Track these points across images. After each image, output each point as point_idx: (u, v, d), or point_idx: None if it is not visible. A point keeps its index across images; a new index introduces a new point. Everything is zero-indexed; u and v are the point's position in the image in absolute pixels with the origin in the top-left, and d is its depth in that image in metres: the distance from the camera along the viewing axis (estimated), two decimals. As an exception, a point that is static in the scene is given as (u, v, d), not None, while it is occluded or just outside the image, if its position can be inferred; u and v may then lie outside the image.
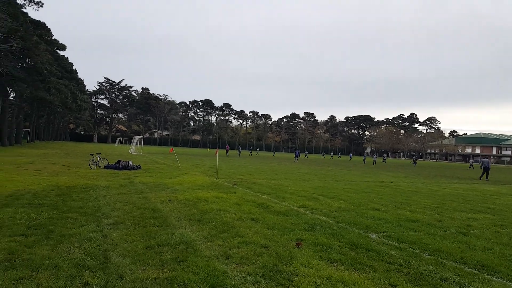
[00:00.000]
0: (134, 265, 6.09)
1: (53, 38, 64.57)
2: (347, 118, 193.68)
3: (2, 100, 52.47)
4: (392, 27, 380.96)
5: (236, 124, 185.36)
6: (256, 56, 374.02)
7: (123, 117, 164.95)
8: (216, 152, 27.96)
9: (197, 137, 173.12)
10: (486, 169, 36.20)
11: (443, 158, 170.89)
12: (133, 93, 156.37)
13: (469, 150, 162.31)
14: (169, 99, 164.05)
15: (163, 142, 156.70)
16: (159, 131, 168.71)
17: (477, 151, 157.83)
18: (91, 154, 27.86)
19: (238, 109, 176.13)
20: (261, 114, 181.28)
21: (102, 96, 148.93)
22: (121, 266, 6.00)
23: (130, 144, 70.24)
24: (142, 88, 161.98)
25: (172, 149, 39.33)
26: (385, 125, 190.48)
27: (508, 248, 8.57)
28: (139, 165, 26.40)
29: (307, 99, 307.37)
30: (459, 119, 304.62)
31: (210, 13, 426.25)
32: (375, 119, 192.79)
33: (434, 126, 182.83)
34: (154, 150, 74.14)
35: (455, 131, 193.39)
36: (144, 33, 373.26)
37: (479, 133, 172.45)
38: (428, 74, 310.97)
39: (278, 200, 14.07)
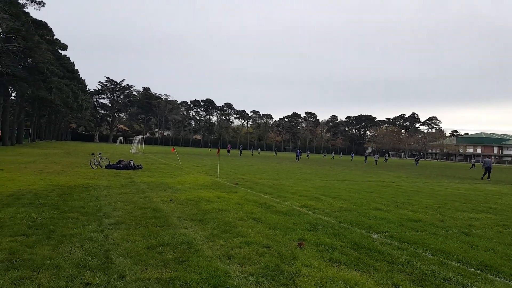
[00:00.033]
0: (136, 265, 6.05)
1: (54, 37, 64.63)
2: (348, 117, 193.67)
3: (3, 99, 52.50)
4: (392, 27, 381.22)
5: (237, 123, 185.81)
6: (257, 55, 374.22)
7: (124, 117, 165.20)
8: (218, 151, 28.01)
9: (198, 137, 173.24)
10: (487, 169, 36.17)
11: (444, 158, 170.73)
12: (134, 92, 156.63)
13: (470, 150, 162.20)
14: (170, 98, 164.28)
15: (164, 141, 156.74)
16: (160, 131, 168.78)
17: (479, 151, 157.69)
18: (93, 154, 27.80)
19: (239, 108, 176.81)
20: (262, 114, 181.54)
21: (103, 96, 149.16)
22: (123, 266, 5.97)
23: (131, 143, 70.24)
24: (144, 87, 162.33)
25: (174, 149, 39.33)
26: (386, 125, 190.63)
27: (511, 248, 8.52)
28: (140, 165, 26.38)
29: (308, 98, 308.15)
30: (460, 119, 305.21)
31: (210, 12, 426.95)
32: (376, 119, 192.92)
33: (435, 126, 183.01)
34: (155, 150, 74.22)
35: (456, 131, 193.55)
36: (146, 33, 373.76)
37: (480, 133, 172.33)
38: (428, 74, 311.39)
39: (280, 200, 14.04)
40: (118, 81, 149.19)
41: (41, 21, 57.45)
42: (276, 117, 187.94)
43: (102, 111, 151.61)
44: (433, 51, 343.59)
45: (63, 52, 74.44)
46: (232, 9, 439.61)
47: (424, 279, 6.20)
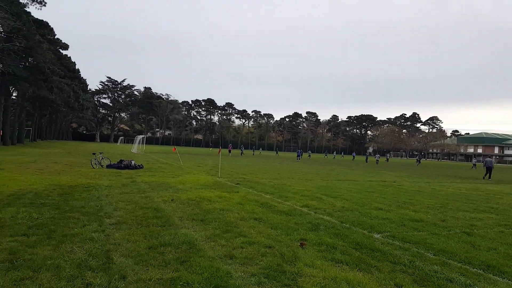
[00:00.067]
0: (137, 266, 6.02)
1: (55, 37, 64.78)
2: (349, 117, 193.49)
3: (4, 99, 52.47)
4: (392, 27, 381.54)
5: (239, 123, 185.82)
6: (257, 55, 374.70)
7: (125, 117, 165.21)
8: (219, 151, 28.00)
9: (200, 137, 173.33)
10: (489, 169, 36.14)
11: (445, 157, 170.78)
12: (135, 92, 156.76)
13: (471, 150, 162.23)
14: (171, 98, 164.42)
15: (165, 141, 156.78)
16: (161, 131, 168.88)
17: (479, 150, 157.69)
18: (93, 154, 27.80)
19: (240, 108, 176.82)
20: (264, 114, 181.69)
21: (104, 95, 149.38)
22: (124, 267, 5.94)
23: (133, 143, 70.24)
24: (145, 87, 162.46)
25: (175, 149, 39.31)
26: (387, 124, 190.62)
27: (513, 248, 8.49)
28: (141, 165, 26.35)
29: (309, 98, 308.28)
30: (461, 119, 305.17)
31: (211, 12, 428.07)
32: (377, 119, 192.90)
33: (436, 126, 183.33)
34: (156, 150, 74.19)
35: (457, 131, 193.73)
36: (147, 33, 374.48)
37: (481, 132, 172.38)
38: (428, 74, 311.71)
39: (281, 200, 14.01)
40: (119, 80, 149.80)
41: (42, 20, 57.56)
42: (277, 117, 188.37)
43: (103, 111, 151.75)
44: (433, 51, 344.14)
45: (64, 52, 74.65)
46: (232, 9, 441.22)
47: (427, 279, 6.17)
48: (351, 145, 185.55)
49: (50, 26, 59.97)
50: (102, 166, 24.76)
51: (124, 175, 20.30)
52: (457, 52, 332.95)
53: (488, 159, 38.50)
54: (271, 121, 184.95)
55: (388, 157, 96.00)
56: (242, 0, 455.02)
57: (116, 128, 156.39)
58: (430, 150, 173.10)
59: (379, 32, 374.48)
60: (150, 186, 16.13)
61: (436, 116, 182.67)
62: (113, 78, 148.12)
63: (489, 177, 35.52)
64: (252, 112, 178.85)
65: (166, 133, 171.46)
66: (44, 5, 51.21)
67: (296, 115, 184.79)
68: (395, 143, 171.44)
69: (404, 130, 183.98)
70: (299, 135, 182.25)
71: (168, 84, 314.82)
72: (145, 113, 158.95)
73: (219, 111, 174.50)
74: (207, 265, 6.16)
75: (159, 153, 57.44)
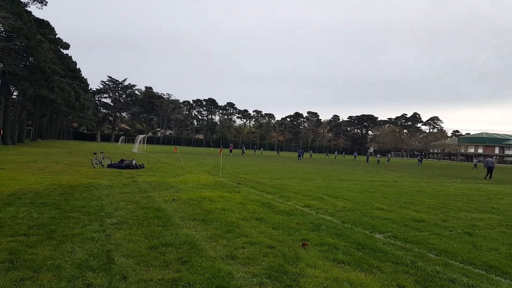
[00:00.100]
0: (138, 266, 5.99)
1: (56, 36, 64.70)
2: (350, 117, 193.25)
3: (5, 98, 52.47)
4: (392, 27, 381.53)
5: (240, 123, 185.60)
6: (258, 55, 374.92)
7: (126, 116, 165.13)
8: (220, 151, 27.99)
9: (201, 136, 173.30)
10: (489, 169, 36.15)
11: (446, 157, 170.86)
12: (136, 92, 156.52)
13: (471, 150, 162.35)
14: (172, 98, 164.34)
15: (166, 141, 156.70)
16: (162, 130, 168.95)
17: (480, 150, 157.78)
18: (94, 153, 27.81)
19: (241, 108, 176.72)
20: (265, 113, 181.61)
21: (105, 95, 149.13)
22: (125, 267, 5.91)
23: (133, 143, 70.25)
24: (146, 87, 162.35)
25: (176, 148, 39.30)
26: (388, 124, 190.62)
27: (515, 249, 8.48)
28: (142, 164, 26.31)
29: (310, 98, 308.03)
30: (462, 119, 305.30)
31: (211, 12, 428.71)
32: (378, 119, 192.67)
33: (437, 126, 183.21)
34: (157, 149, 74.16)
35: (457, 131, 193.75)
36: (148, 33, 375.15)
37: (481, 132, 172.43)
38: (429, 74, 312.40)
39: (283, 200, 13.98)
40: (120, 80, 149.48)
41: (43, 20, 57.55)
42: (278, 117, 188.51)
43: (104, 111, 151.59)
44: (433, 51, 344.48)
45: (65, 51, 74.59)
46: (233, 9, 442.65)
47: (429, 280, 6.16)
48: (352, 145, 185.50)
49: (51, 25, 59.96)
50: (103, 165, 24.73)
51: (125, 174, 20.27)
52: (457, 52, 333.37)
53: (489, 159, 38.53)
54: (272, 121, 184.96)
55: (389, 157, 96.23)
56: (242, 0, 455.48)
57: (117, 128, 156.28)
58: (431, 150, 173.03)
59: (379, 32, 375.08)
60: (151, 185, 16.10)
61: (437, 116, 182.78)
62: (114, 78, 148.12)
63: (490, 177, 35.51)
64: (253, 112, 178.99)
65: (167, 132, 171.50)
66: (45, 4, 51.30)
67: (297, 115, 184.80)
68: (396, 143, 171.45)
69: (405, 130, 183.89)
70: (300, 135, 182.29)
71: (169, 83, 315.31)
72: (146, 112, 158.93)
73: (220, 111, 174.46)
74: (209, 265, 6.13)
75: (160, 152, 57.41)
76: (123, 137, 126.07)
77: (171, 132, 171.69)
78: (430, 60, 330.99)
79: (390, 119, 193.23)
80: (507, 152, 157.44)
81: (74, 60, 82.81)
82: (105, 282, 5.32)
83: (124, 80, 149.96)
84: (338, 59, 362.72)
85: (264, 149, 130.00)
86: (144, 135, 70.81)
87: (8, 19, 41.40)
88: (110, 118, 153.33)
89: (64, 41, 68.22)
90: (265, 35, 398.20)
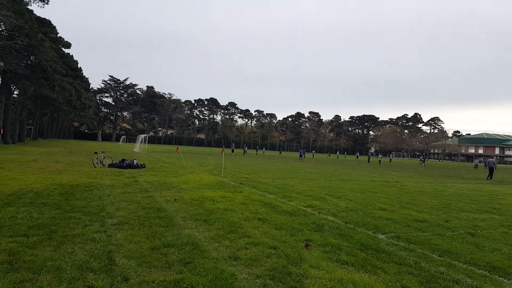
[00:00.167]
0: (140, 267, 5.93)
1: (58, 35, 64.70)
2: (351, 117, 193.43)
3: (5, 97, 52.48)
4: (392, 27, 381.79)
5: (241, 123, 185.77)
6: (259, 55, 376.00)
7: (127, 116, 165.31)
8: (222, 151, 27.97)
9: (202, 136, 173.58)
10: (490, 169, 36.15)
11: (447, 158, 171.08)
12: (138, 91, 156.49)
13: (472, 150, 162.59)
14: (174, 97, 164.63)
15: (167, 140, 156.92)
16: (163, 130, 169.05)
17: (480, 151, 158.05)
18: (95, 153, 27.79)
19: (243, 108, 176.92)
20: (266, 113, 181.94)
21: (106, 94, 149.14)
22: (126, 268, 5.85)
23: (135, 142, 70.22)
24: (147, 86, 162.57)
25: (178, 148, 39.26)
26: (389, 125, 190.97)
27: (517, 249, 8.47)
28: (143, 164, 26.26)
29: (311, 98, 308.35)
30: (462, 119, 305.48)
31: (213, 12, 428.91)
32: (379, 119, 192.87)
33: (437, 126, 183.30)
34: (158, 149, 74.23)
35: (458, 131, 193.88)
36: (149, 32, 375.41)
37: (482, 133, 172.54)
38: (429, 74, 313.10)
39: (285, 200, 13.94)
40: (121, 79, 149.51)
41: (44, 18, 57.57)
42: (280, 117, 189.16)
43: (105, 110, 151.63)
44: (433, 51, 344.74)
45: (66, 50, 74.63)
46: (234, 9, 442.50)
47: (433, 281, 6.13)
48: (353, 145, 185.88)
49: (52, 24, 59.97)
50: (104, 165, 24.69)
51: (126, 174, 20.23)
52: (457, 52, 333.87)
53: (490, 159, 38.58)
54: (274, 121, 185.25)
55: (391, 158, 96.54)
56: (243, 0, 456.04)
57: (118, 127, 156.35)
58: (432, 151, 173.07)
59: (380, 32, 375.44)
60: (153, 185, 16.05)
61: (438, 117, 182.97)
62: (115, 77, 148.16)
63: (490, 178, 35.47)
64: (254, 111, 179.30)
65: (169, 132, 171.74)
66: (47, 3, 51.26)
67: (299, 115, 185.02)
68: (397, 143, 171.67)
69: (405, 131, 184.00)
70: (301, 135, 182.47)
71: (170, 83, 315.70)
72: (147, 112, 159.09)
73: (222, 111, 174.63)
74: (211, 266, 6.08)
75: (161, 152, 57.47)
76: (124, 136, 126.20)
77: (172, 131, 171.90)
78: (430, 60, 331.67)
79: (391, 119, 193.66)
80: (507, 152, 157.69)
81: (75, 59, 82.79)
82: (106, 283, 5.25)
83: (126, 79, 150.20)
84: (338, 59, 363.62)
85: (265, 149, 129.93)
86: (145, 135, 70.86)
87: (9, 17, 41.38)
88: (111, 117, 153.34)
89: (65, 40, 68.26)
90: (265, 35, 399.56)
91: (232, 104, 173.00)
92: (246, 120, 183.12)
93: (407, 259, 7.14)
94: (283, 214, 10.93)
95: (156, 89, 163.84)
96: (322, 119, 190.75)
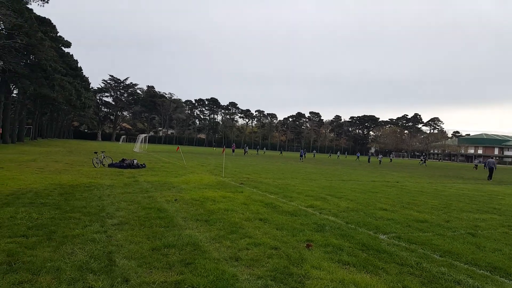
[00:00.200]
0: (140, 268, 5.89)
1: (58, 34, 64.72)
2: (352, 118, 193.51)
3: (4, 96, 52.39)
4: (392, 27, 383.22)
5: (242, 123, 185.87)
6: (260, 55, 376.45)
7: (127, 115, 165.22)
8: (223, 151, 27.96)
9: (203, 136, 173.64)
10: (490, 170, 36.19)
11: (446, 158, 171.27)
12: (138, 91, 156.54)
13: (471, 151, 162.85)
14: (174, 97, 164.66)
15: (168, 140, 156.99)
16: (164, 130, 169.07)
17: (480, 151, 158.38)
18: (95, 152, 27.75)
19: (244, 108, 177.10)
20: (267, 113, 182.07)
21: (106, 94, 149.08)
22: (127, 269, 5.81)
23: (135, 142, 70.20)
24: (148, 86, 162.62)
25: (178, 148, 39.27)
26: (389, 125, 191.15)
27: (518, 250, 8.48)
28: (144, 164, 26.21)
29: (312, 98, 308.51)
30: (462, 120, 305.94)
31: (214, 11, 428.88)
32: (379, 119, 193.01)
33: (437, 127, 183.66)
34: (159, 149, 74.22)
35: (458, 132, 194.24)
36: (150, 32, 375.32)
37: (481, 133, 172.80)
38: (429, 74, 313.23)
39: (286, 200, 13.92)
40: (122, 79, 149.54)
41: (44, 17, 57.61)
42: (280, 117, 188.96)
43: (105, 109, 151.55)
44: (433, 51, 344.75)
45: (66, 50, 74.63)
46: (233, 9, 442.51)
47: (435, 282, 6.12)
48: (354, 145, 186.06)
49: (52, 23, 59.98)
50: (103, 165, 24.65)
51: (126, 174, 20.19)
52: (457, 52, 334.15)
53: (490, 160, 38.62)
54: (275, 121, 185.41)
55: (391, 158, 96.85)
56: (243, 0, 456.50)
57: (118, 127, 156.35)
58: (431, 151, 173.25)
59: (380, 32, 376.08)
60: (153, 185, 16.01)
61: (437, 117, 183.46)
62: (115, 77, 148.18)
63: (490, 178, 35.48)
64: (255, 111, 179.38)
65: (169, 132, 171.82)
66: (47, 2, 51.15)
67: (300, 115, 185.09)
68: (397, 143, 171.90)
69: (405, 131, 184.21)
70: (302, 135, 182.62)
71: (171, 83, 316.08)
72: (147, 112, 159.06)
73: (223, 111, 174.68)
74: (213, 267, 6.04)
75: (161, 152, 57.47)
76: (124, 136, 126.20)
77: (173, 131, 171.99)
78: (431, 60, 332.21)
79: (391, 119, 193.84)
80: (506, 153, 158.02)
81: (75, 58, 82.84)
82: (107, 284, 5.22)
83: (126, 79, 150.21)
84: (338, 59, 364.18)
85: (266, 149, 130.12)
86: (145, 134, 70.81)
87: (9, 16, 41.34)
88: (111, 117, 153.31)
89: (65, 39, 68.25)
90: (265, 35, 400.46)
91: (233, 104, 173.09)
92: (247, 120, 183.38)
93: (409, 260, 7.12)
94: (284, 214, 10.91)
95: (156, 89, 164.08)
96: (323, 119, 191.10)
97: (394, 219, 11.26)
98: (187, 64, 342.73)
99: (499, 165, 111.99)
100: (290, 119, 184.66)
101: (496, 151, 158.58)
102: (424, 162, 74.89)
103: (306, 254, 7.05)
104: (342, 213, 11.77)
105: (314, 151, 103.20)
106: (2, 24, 44.19)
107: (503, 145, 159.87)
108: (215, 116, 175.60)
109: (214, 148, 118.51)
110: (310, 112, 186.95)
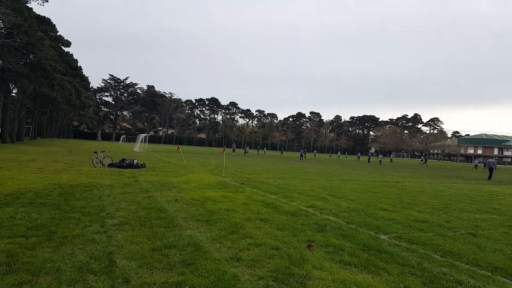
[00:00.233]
0: (141, 269, 5.86)
1: (58, 34, 64.69)
2: (352, 118, 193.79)
3: (4, 96, 52.34)
4: (392, 27, 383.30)
5: (242, 123, 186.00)
6: (260, 55, 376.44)
7: (127, 115, 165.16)
8: (224, 150, 27.93)
9: (203, 136, 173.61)
10: (490, 170, 36.21)
11: (446, 158, 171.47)
12: (138, 90, 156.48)
13: (471, 151, 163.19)
14: (175, 97, 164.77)
15: (168, 140, 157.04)
16: (164, 129, 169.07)
17: (479, 151, 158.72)
18: (95, 152, 27.71)
19: (244, 107, 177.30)
20: (267, 113, 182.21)
21: (106, 93, 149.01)
22: (127, 270, 5.78)
23: (135, 142, 70.17)
24: (148, 85, 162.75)
25: (179, 148, 39.25)
26: (389, 125, 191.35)
27: (519, 250, 8.47)
28: (144, 164, 26.18)
29: (312, 98, 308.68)
30: (462, 120, 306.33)
31: (214, 11, 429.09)
32: (379, 119, 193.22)
33: (437, 127, 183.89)
34: (159, 148, 74.20)
35: (457, 132, 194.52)
36: (150, 32, 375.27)
37: (481, 134, 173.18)
38: (429, 75, 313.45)
39: (287, 200, 13.91)
40: (122, 78, 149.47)
41: (44, 17, 57.56)
42: (281, 117, 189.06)
43: (105, 109, 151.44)
44: (433, 51, 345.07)
45: (66, 49, 74.51)
46: (233, 9, 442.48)
47: (436, 282, 6.12)
48: (354, 145, 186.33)
49: (52, 22, 59.93)
50: (103, 165, 24.62)
51: (126, 174, 20.17)
52: (457, 52, 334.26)
53: (490, 160, 38.64)
54: (275, 120, 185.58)
55: (391, 158, 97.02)
56: (243, 0, 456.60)
57: (118, 127, 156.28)
58: (431, 151, 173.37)
59: (379, 32, 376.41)
60: (153, 185, 15.98)
61: (437, 117, 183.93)
62: (115, 76, 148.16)
63: (490, 178, 35.50)
64: (255, 111, 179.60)
65: (169, 132, 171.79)
66: (47, 1, 51.06)
67: (300, 115, 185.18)
68: (397, 143, 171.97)
69: (405, 131, 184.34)
70: (302, 135, 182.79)
71: (171, 82, 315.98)
72: (147, 111, 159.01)
73: (223, 110, 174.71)
74: (214, 268, 6.02)
75: (161, 152, 57.45)
76: (124, 136, 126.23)
77: (173, 131, 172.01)
78: (431, 60, 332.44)
79: (391, 119, 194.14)
80: (505, 153, 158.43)
81: (75, 57, 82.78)
82: (107, 285, 5.19)
83: (126, 78, 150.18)
84: (338, 59, 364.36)
85: (266, 149, 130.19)
86: (145, 134, 70.75)
87: (8, 15, 41.26)
88: (111, 116, 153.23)
89: (65, 38, 68.21)
90: (265, 35, 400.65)
91: (233, 104, 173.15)
92: (247, 120, 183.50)
93: (410, 260, 7.11)
94: (285, 215, 10.89)
95: (156, 89, 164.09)
96: (323, 119, 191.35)
97: (394, 219, 11.25)
98: (187, 64, 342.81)
99: (499, 165, 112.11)
100: (291, 119, 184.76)
101: (496, 151, 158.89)
102: (425, 162, 74.98)
103: (307, 255, 7.03)
104: (342, 213, 11.75)
105: (315, 151, 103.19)
106: (1, 23, 44.11)
107: (502, 145, 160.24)
108: (216, 116, 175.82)
109: (215, 148, 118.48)
110: (311, 112, 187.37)
